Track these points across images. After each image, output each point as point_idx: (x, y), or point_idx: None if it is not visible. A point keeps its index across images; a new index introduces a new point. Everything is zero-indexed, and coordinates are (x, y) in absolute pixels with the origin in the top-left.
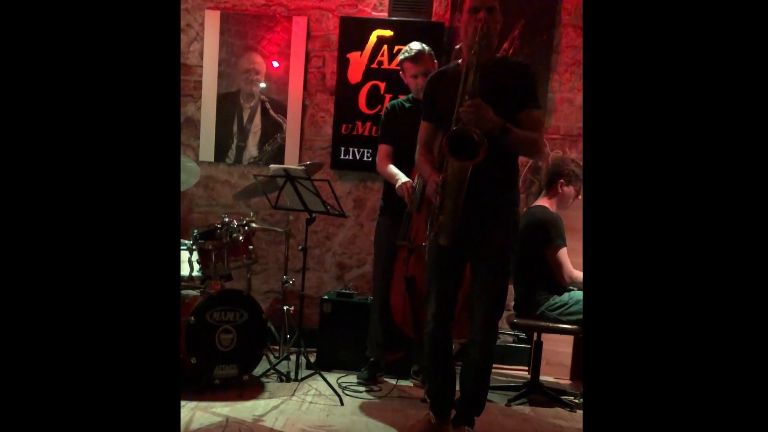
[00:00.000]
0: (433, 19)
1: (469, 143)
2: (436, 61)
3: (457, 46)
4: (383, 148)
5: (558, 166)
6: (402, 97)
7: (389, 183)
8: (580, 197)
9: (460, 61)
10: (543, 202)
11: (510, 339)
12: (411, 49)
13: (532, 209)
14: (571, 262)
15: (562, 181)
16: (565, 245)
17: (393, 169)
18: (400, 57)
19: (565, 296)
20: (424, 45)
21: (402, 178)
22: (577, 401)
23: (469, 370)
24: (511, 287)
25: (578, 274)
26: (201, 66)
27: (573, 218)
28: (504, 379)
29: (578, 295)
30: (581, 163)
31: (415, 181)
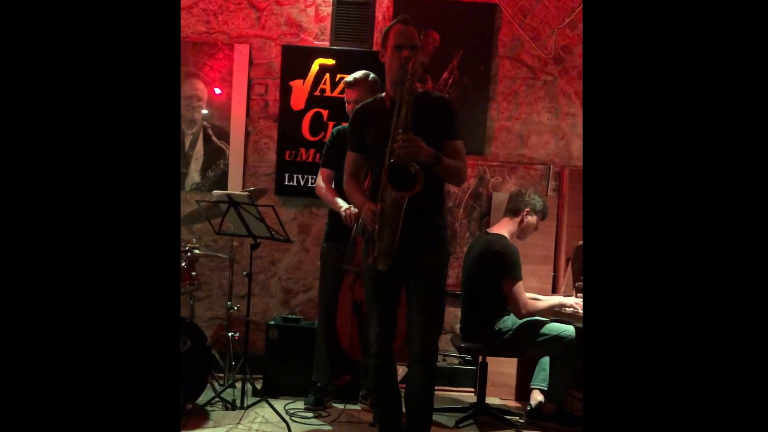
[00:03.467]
0: (375, 48)
1: (406, 175)
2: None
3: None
4: (325, 172)
5: (523, 195)
6: (346, 124)
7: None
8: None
9: (383, 94)
10: (502, 229)
11: (456, 361)
12: (351, 76)
13: (490, 237)
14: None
15: (527, 210)
16: (521, 279)
17: (334, 195)
18: (345, 80)
19: (509, 321)
20: (369, 73)
21: (344, 205)
22: (521, 421)
23: (412, 390)
24: (457, 310)
25: (534, 305)
26: None
27: (526, 246)
28: (451, 401)
29: (546, 328)
30: (542, 196)
31: None
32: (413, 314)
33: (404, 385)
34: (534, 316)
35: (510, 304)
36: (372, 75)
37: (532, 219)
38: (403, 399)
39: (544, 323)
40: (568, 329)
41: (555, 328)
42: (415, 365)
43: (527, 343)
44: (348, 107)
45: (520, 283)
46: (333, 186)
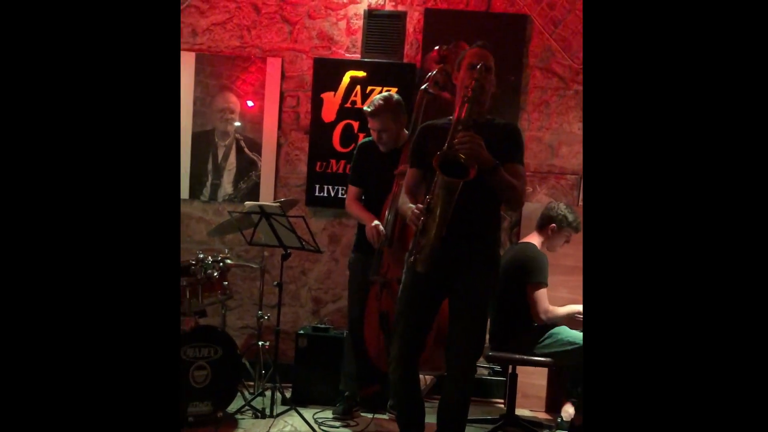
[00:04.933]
0: (405, 60)
1: (457, 167)
2: (405, 115)
3: (423, 86)
4: (353, 190)
5: (552, 210)
6: (369, 137)
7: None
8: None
9: (451, 117)
10: (533, 239)
11: (485, 372)
12: (372, 104)
13: (520, 245)
14: (553, 296)
15: (553, 225)
16: (546, 285)
17: (363, 211)
18: (364, 108)
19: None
20: (392, 96)
21: (373, 221)
22: None
23: (445, 407)
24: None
25: (554, 310)
26: None
27: (556, 256)
28: (480, 412)
29: (555, 330)
30: (574, 210)
31: (386, 217)
32: (454, 331)
33: (435, 397)
34: (553, 322)
35: (531, 307)
36: (395, 96)
37: (559, 234)
38: (436, 411)
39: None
40: None
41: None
42: (450, 385)
43: (552, 353)
44: (374, 135)
45: (544, 290)
46: (361, 201)
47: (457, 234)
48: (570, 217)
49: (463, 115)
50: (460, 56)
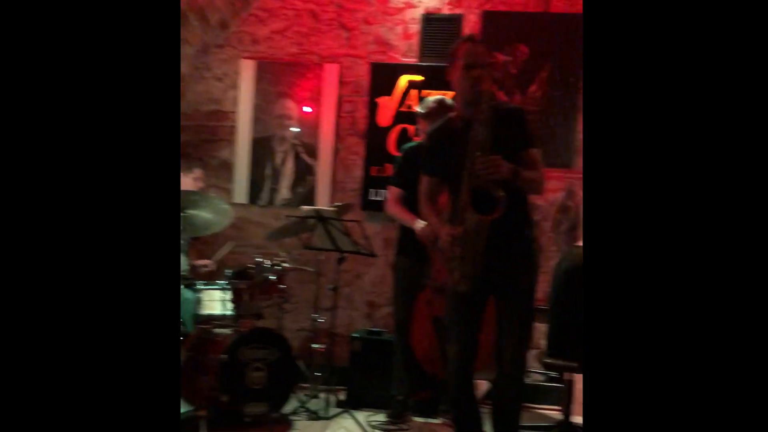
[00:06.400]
0: None
1: (488, 198)
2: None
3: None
4: (395, 191)
5: None
6: (419, 140)
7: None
8: None
9: (453, 114)
10: None
11: (541, 378)
12: (424, 106)
13: (578, 248)
14: None
15: None
16: None
17: (405, 212)
18: (415, 109)
19: None
20: (445, 100)
21: (420, 222)
22: None
23: (500, 409)
24: (541, 325)
25: None
26: (235, 112)
27: None
28: (535, 418)
29: None
30: None
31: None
32: (503, 332)
33: (488, 402)
34: None
35: None
36: (448, 101)
37: None
38: (490, 416)
39: None
40: None
41: None
42: (503, 384)
43: None
44: (423, 137)
45: None
46: (403, 204)
47: (497, 246)
48: None
49: (478, 138)
50: (452, 48)
